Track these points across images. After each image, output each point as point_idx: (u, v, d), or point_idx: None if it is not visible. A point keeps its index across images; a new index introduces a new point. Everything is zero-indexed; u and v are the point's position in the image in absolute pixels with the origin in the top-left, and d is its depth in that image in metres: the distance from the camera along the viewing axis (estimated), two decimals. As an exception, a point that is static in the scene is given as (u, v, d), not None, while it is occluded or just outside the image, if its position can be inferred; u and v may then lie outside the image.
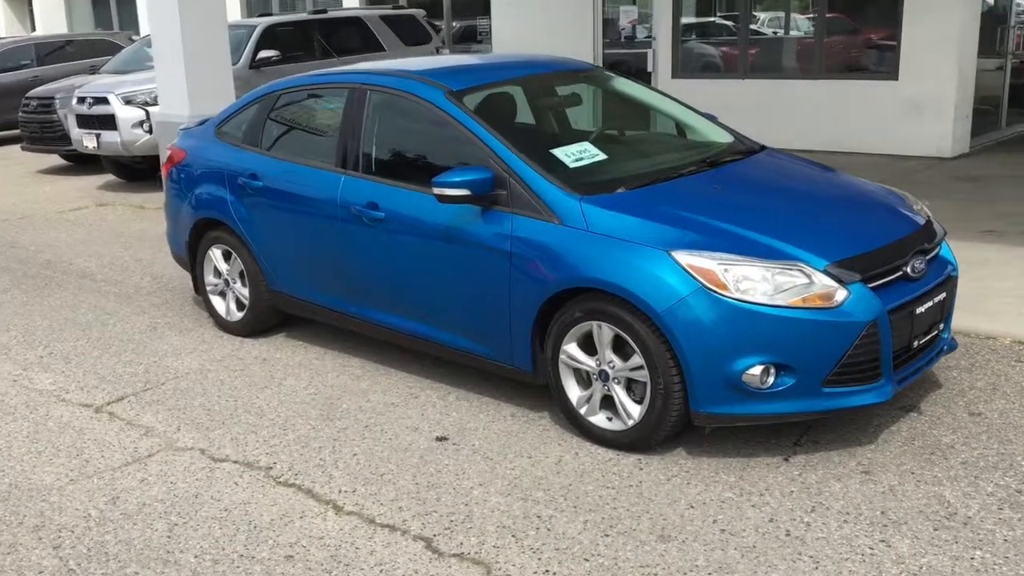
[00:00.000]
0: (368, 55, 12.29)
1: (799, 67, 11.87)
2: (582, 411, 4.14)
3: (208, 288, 5.87)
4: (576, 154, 4.44)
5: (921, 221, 4.30)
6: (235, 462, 4.18)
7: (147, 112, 10.45)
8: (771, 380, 3.70)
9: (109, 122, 10.53)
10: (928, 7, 10.87)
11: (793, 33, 12.53)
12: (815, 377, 3.71)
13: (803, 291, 3.68)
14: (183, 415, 4.69)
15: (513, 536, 3.47)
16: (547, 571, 3.25)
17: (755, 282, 3.68)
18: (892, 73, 11.16)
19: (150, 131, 10.45)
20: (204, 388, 5.01)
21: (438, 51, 13.00)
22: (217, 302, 5.85)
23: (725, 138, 5.07)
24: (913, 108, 10.99)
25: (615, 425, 4.05)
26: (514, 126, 4.85)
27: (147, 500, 3.87)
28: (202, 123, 6.19)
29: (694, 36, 13.03)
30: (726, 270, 3.70)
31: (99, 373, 5.31)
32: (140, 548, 3.52)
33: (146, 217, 9.51)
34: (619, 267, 3.84)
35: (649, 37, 13.02)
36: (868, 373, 3.79)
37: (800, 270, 3.72)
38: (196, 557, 3.45)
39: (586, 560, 3.30)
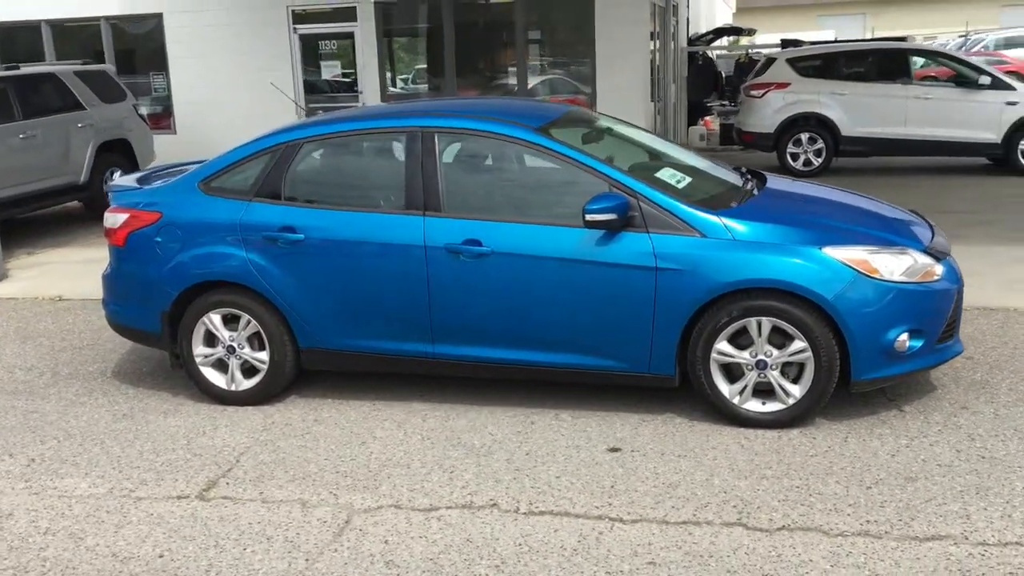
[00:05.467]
0: (69, 113, 11.17)
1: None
2: (735, 401, 4.65)
3: (198, 360, 5.30)
4: (671, 177, 4.94)
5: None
6: (482, 507, 4.04)
7: None
8: (908, 344, 4.55)
9: None
10: (613, 64, 12.68)
11: (506, 88, 13.70)
12: (934, 337, 4.64)
13: (918, 270, 4.59)
14: (315, 482, 4.35)
15: (802, 504, 3.92)
16: (867, 520, 3.76)
17: (892, 266, 4.52)
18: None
19: None
20: (296, 457, 4.64)
21: (136, 108, 12.11)
22: (211, 374, 5.31)
23: (704, 162, 5.80)
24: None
25: (771, 407, 4.62)
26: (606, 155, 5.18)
27: (426, 556, 3.67)
28: (144, 178, 5.58)
29: (402, 87, 13.63)
30: (874, 258, 4.49)
31: (138, 466, 4.62)
32: (495, 595, 3.40)
33: None
34: (782, 266, 4.45)
35: (356, 90, 13.35)
36: (951, 331, 4.80)
37: (909, 254, 4.63)
38: (564, 587, 3.44)
39: (882, 507, 3.87)
